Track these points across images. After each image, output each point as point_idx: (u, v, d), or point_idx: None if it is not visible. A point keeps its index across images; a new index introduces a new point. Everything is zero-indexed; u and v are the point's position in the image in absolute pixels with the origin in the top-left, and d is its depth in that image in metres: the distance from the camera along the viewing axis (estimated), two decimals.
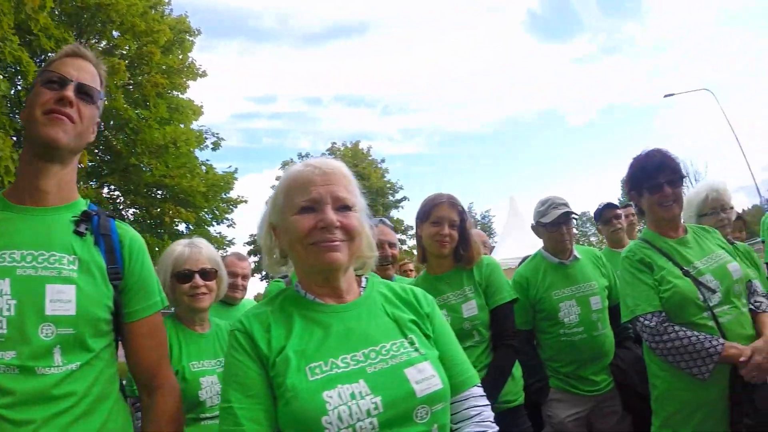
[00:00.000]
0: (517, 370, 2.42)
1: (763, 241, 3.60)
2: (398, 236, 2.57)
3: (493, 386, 2.17)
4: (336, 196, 1.20)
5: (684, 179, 2.24)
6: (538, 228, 2.84)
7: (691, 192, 3.00)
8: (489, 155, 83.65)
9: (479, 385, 1.29)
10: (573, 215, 2.75)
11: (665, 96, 22.87)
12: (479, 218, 35.63)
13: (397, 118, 74.54)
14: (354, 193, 1.26)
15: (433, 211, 2.38)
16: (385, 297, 1.31)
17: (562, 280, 2.71)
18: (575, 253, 2.78)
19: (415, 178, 73.48)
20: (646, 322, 2.05)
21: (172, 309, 2.19)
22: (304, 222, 1.18)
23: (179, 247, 2.16)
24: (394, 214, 26.41)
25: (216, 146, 14.39)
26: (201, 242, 2.23)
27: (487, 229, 34.91)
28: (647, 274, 2.14)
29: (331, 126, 65.12)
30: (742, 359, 1.86)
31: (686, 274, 2.08)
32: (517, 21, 79.11)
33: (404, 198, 27.96)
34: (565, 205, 2.74)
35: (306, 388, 1.07)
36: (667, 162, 2.20)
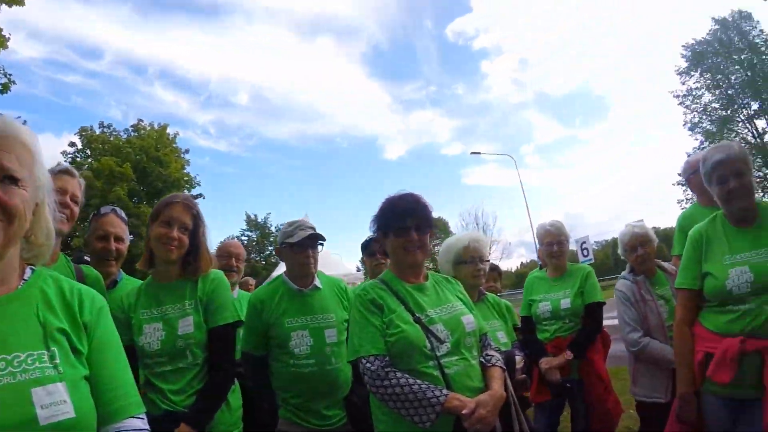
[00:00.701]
0: (235, 399, 2.23)
1: None
2: None
3: (202, 415, 2.00)
4: (0, 165, 1.02)
5: (433, 229, 2.23)
6: (283, 250, 2.71)
7: (452, 239, 3.11)
8: (299, 170, 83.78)
9: (140, 416, 1.15)
10: (320, 241, 2.69)
11: (472, 153, 26.29)
12: (274, 231, 35.18)
13: (217, 112, 71.00)
14: (29, 165, 1.08)
15: (165, 210, 2.16)
16: (44, 296, 1.11)
17: (297, 308, 2.60)
18: (316, 282, 2.71)
19: (219, 177, 69.26)
20: (368, 365, 1.97)
21: None
22: None
23: None
24: None
25: (5, 89, 11.52)
26: None
27: None
28: (377, 316, 2.07)
29: (148, 101, 58.01)
30: (465, 411, 1.83)
31: (417, 320, 2.05)
32: (360, 51, 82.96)
33: (200, 195, 26.85)
34: (313, 229, 2.68)
35: None
36: (419, 208, 2.17)
